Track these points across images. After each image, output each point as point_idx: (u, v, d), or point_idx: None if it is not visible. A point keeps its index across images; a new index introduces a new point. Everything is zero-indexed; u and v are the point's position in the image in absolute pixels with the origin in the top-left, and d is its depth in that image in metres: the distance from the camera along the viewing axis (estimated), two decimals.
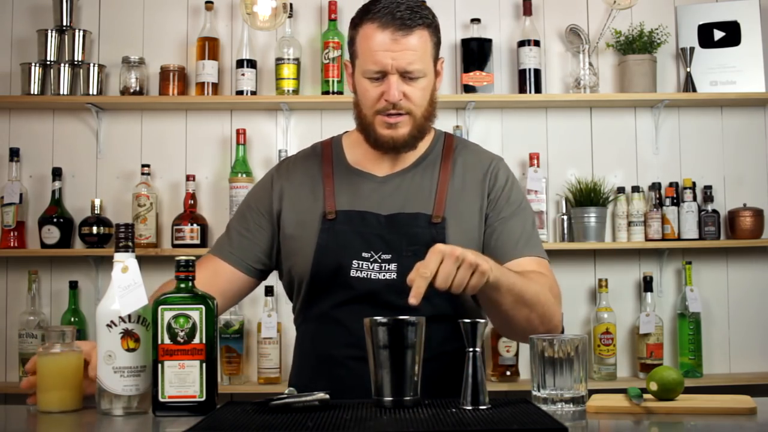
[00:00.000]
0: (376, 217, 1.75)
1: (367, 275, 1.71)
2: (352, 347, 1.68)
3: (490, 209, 1.80)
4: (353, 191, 1.79)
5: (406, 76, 1.72)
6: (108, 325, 1.46)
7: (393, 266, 1.71)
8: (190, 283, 1.48)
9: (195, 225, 3.16)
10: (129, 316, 1.46)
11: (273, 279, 3.46)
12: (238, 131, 3.23)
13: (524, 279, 1.63)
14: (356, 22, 1.76)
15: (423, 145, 1.85)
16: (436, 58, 1.81)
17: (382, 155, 1.81)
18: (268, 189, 1.86)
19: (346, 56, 1.84)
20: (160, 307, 1.44)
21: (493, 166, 1.85)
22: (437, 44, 1.80)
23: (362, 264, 1.72)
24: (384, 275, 1.70)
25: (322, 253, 1.73)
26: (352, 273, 1.70)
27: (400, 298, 1.57)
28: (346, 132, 1.93)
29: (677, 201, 3.25)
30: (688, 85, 3.28)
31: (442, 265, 1.44)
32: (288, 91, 3.22)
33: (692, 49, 3.30)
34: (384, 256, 1.71)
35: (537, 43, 3.28)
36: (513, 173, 1.90)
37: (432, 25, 1.78)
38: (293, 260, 1.79)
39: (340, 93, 3.22)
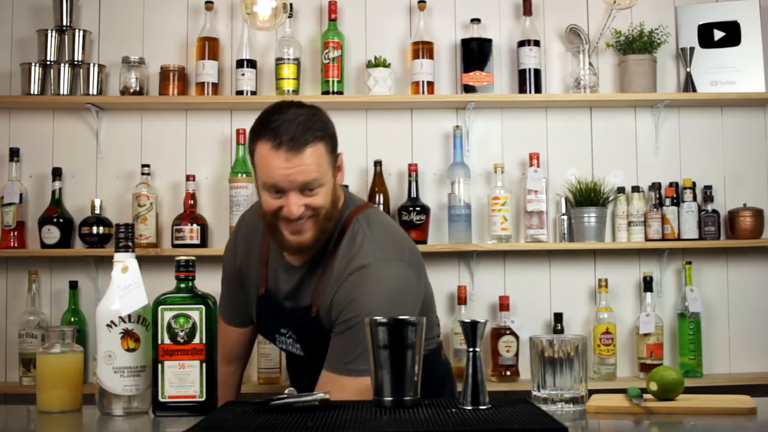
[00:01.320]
0: (281, 305, 1.95)
1: (285, 347, 2.01)
2: (298, 372, 2.10)
3: (333, 318, 1.85)
4: (275, 273, 1.97)
5: (304, 189, 1.78)
6: (108, 325, 1.46)
7: (299, 345, 1.95)
8: (190, 283, 1.48)
9: (195, 225, 3.16)
10: (129, 316, 1.46)
11: None
12: (238, 131, 3.23)
13: None
14: (252, 137, 1.86)
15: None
16: (334, 162, 1.86)
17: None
18: (232, 257, 2.10)
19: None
20: (160, 307, 1.44)
21: (348, 274, 1.83)
22: (333, 149, 1.85)
23: (280, 338, 2.00)
24: (295, 350, 1.98)
25: (260, 322, 2.05)
26: (277, 342, 2.02)
27: (310, 373, 1.86)
28: None
29: (677, 201, 3.25)
30: (688, 85, 3.28)
31: None
32: (288, 91, 3.22)
33: (692, 49, 3.30)
34: (293, 335, 1.95)
35: (537, 43, 3.28)
36: (378, 279, 1.81)
37: (325, 136, 1.82)
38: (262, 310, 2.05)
39: (340, 93, 3.22)
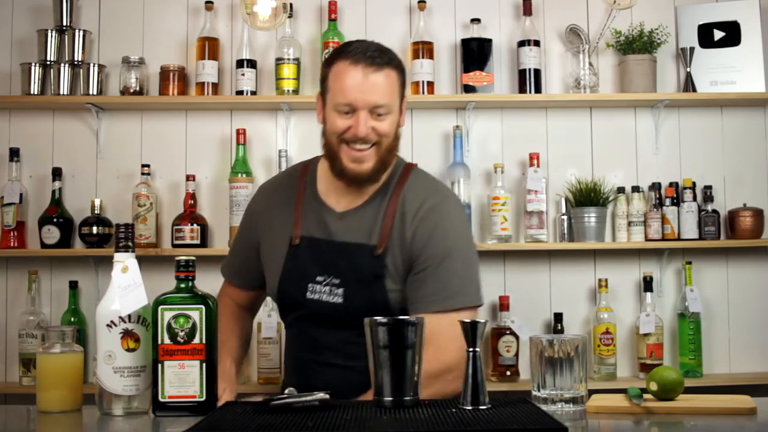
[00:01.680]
0: (330, 244, 1.93)
1: (318, 297, 1.92)
2: (313, 352, 1.94)
3: (412, 258, 1.89)
4: (316, 220, 1.97)
5: (374, 112, 1.85)
6: (108, 325, 1.46)
7: (340, 291, 1.90)
8: (190, 283, 1.48)
9: (195, 225, 3.16)
10: (129, 316, 1.46)
11: None
12: (238, 131, 3.23)
13: None
14: (329, 61, 1.91)
15: (382, 177, 1.97)
16: (402, 97, 1.93)
17: (346, 186, 1.94)
18: (250, 224, 2.11)
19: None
20: (160, 307, 1.44)
21: (421, 211, 1.91)
22: (403, 84, 1.93)
23: (316, 287, 1.92)
24: (332, 298, 1.90)
25: (286, 278, 1.96)
26: (308, 294, 1.92)
27: (343, 319, 1.87)
28: (323, 156, 2.02)
29: (677, 201, 3.25)
30: (688, 85, 3.28)
31: None
32: (288, 91, 3.22)
33: (692, 49, 3.30)
34: (334, 281, 1.90)
35: (537, 43, 3.28)
36: (452, 213, 1.94)
37: (399, 66, 1.92)
38: (267, 279, 2.05)
39: None
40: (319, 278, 1.92)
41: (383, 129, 1.87)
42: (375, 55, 1.85)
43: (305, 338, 1.98)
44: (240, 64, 3.24)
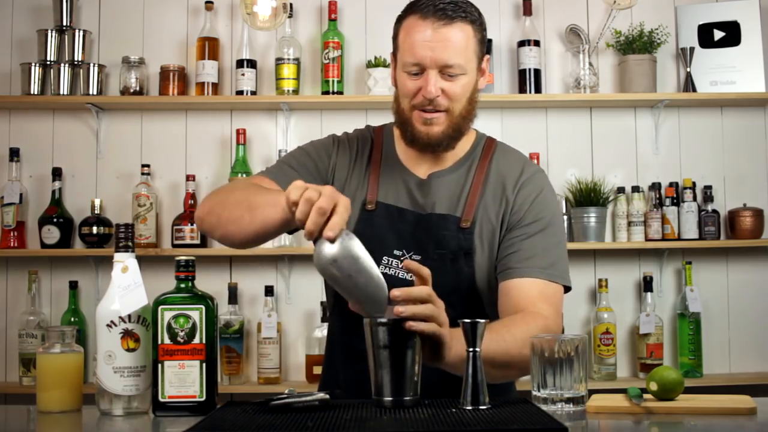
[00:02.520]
0: (412, 214, 1.73)
1: (394, 273, 1.70)
2: None
3: (512, 224, 1.74)
4: (394, 185, 1.77)
5: (445, 71, 1.67)
6: (108, 325, 1.46)
7: None
8: (190, 283, 1.48)
9: (195, 225, 3.16)
10: (129, 316, 1.46)
11: (273, 279, 3.45)
12: (238, 131, 3.23)
13: (496, 339, 1.52)
14: (401, 17, 1.73)
15: (463, 147, 1.81)
16: (480, 57, 1.73)
17: (422, 154, 1.77)
18: (328, 153, 1.81)
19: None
20: (160, 307, 1.44)
21: (524, 177, 1.78)
22: (482, 41, 1.72)
23: (392, 261, 1.71)
24: (411, 275, 1.62)
25: None
26: (381, 269, 1.62)
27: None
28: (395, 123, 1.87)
29: (677, 201, 3.25)
30: (688, 85, 3.28)
31: (418, 307, 1.37)
32: (288, 91, 3.22)
33: (692, 49, 3.30)
34: (414, 257, 1.70)
35: (537, 43, 3.28)
36: (550, 186, 1.83)
37: (476, 21, 1.70)
38: None
39: (340, 93, 3.22)
40: (396, 252, 1.71)
41: (454, 92, 1.68)
42: (447, 8, 1.65)
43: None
44: (240, 64, 3.24)
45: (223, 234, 1.67)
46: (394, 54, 1.75)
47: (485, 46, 1.74)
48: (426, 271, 1.42)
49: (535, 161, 3.22)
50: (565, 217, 3.24)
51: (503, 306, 1.69)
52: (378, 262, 1.67)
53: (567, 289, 1.74)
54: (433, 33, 1.65)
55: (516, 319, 1.61)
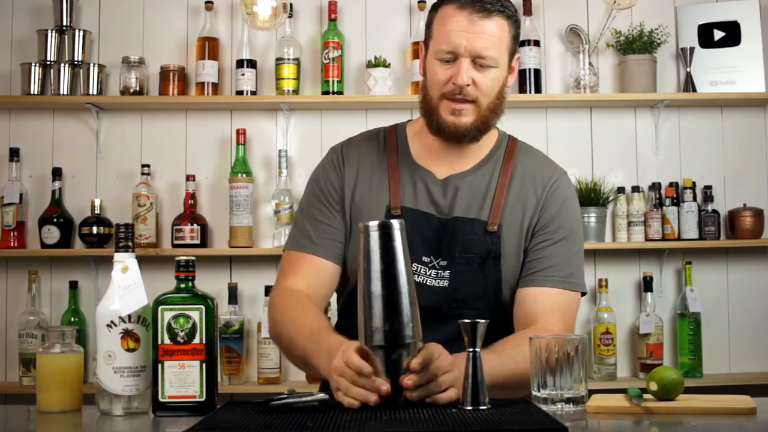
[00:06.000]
0: (438, 219, 1.71)
1: (423, 281, 1.67)
2: None
3: (537, 228, 1.74)
4: (415, 188, 1.74)
5: (477, 62, 1.66)
6: (108, 325, 1.46)
7: (446, 273, 1.68)
8: (190, 283, 1.48)
9: (195, 225, 3.16)
10: (129, 316, 1.46)
11: (273, 279, 3.45)
12: (238, 131, 3.23)
13: (508, 362, 1.55)
14: (436, 5, 1.72)
15: (485, 147, 1.79)
16: (512, 53, 1.73)
17: (444, 150, 1.75)
18: (339, 172, 1.79)
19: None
20: (160, 307, 1.44)
21: (553, 182, 1.79)
22: (515, 38, 1.72)
23: (420, 269, 1.69)
24: (439, 282, 1.67)
25: None
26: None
27: (449, 308, 1.66)
28: (410, 121, 1.87)
29: (677, 201, 3.25)
30: (688, 85, 3.28)
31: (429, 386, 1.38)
32: (288, 91, 3.22)
33: (692, 49, 3.30)
34: (441, 263, 1.69)
35: (537, 43, 3.28)
36: (573, 191, 1.83)
37: (513, 17, 1.70)
38: (355, 250, 1.67)
39: (340, 93, 3.22)
40: (425, 258, 1.68)
41: (484, 84, 1.66)
42: (486, 1, 1.65)
43: None
44: (240, 64, 3.24)
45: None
46: (426, 42, 1.74)
47: (518, 44, 1.75)
48: (431, 356, 1.40)
49: None
50: None
51: (517, 314, 1.71)
52: None
53: (582, 293, 1.77)
54: (469, 23, 1.65)
55: (527, 335, 1.58)
